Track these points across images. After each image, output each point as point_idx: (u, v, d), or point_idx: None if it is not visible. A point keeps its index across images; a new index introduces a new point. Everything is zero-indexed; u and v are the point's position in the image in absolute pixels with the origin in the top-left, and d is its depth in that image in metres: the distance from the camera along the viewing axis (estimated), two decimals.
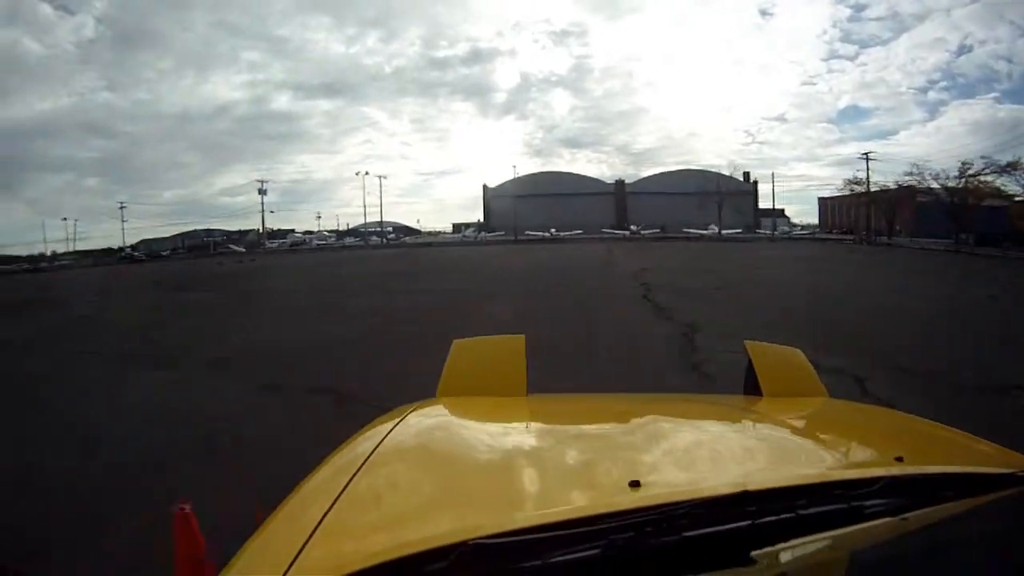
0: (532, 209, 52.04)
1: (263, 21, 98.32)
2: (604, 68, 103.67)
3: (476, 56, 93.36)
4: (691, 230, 46.79)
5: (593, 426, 1.19)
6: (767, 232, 50.09)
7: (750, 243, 39.69)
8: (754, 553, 0.64)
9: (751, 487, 0.70)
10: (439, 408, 1.23)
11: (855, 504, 0.73)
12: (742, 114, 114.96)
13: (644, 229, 47.41)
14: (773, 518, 0.69)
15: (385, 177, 69.34)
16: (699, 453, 0.99)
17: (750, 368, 1.41)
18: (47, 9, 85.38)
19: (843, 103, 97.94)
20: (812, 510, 0.71)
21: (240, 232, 66.00)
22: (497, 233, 53.05)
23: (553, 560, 0.61)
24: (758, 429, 1.15)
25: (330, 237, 66.18)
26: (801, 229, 53.64)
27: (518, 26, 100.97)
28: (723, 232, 45.80)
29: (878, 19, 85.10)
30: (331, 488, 0.75)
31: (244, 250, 54.32)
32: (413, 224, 70.94)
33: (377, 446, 0.90)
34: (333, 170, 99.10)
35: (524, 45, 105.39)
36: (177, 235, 68.79)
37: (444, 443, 1.05)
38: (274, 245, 58.71)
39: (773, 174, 72.74)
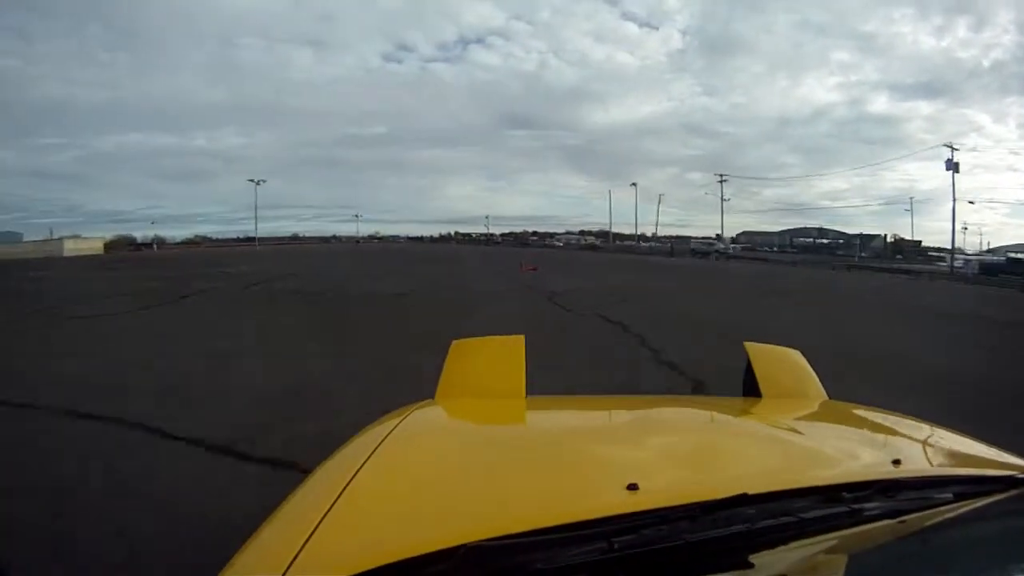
0: None
1: (844, 17, 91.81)
2: None
3: None
4: None
5: (592, 428, 1.20)
6: None
7: None
8: (752, 557, 0.64)
9: (749, 490, 0.70)
10: (438, 410, 1.24)
11: (853, 507, 0.73)
12: None
13: None
14: (771, 521, 0.69)
15: None
16: (697, 455, 0.99)
17: (749, 369, 1.40)
18: (632, 27, 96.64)
19: None
20: (810, 513, 0.71)
21: (860, 236, 57.10)
22: None
23: (551, 564, 0.61)
24: (756, 431, 1.15)
25: None
26: None
27: None
28: None
29: None
30: (330, 489, 0.76)
31: (861, 257, 44.23)
32: None
33: (376, 448, 0.90)
34: (939, 180, 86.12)
35: None
36: (784, 231, 65.26)
37: (443, 445, 1.06)
38: (960, 264, 35.31)
39: None
